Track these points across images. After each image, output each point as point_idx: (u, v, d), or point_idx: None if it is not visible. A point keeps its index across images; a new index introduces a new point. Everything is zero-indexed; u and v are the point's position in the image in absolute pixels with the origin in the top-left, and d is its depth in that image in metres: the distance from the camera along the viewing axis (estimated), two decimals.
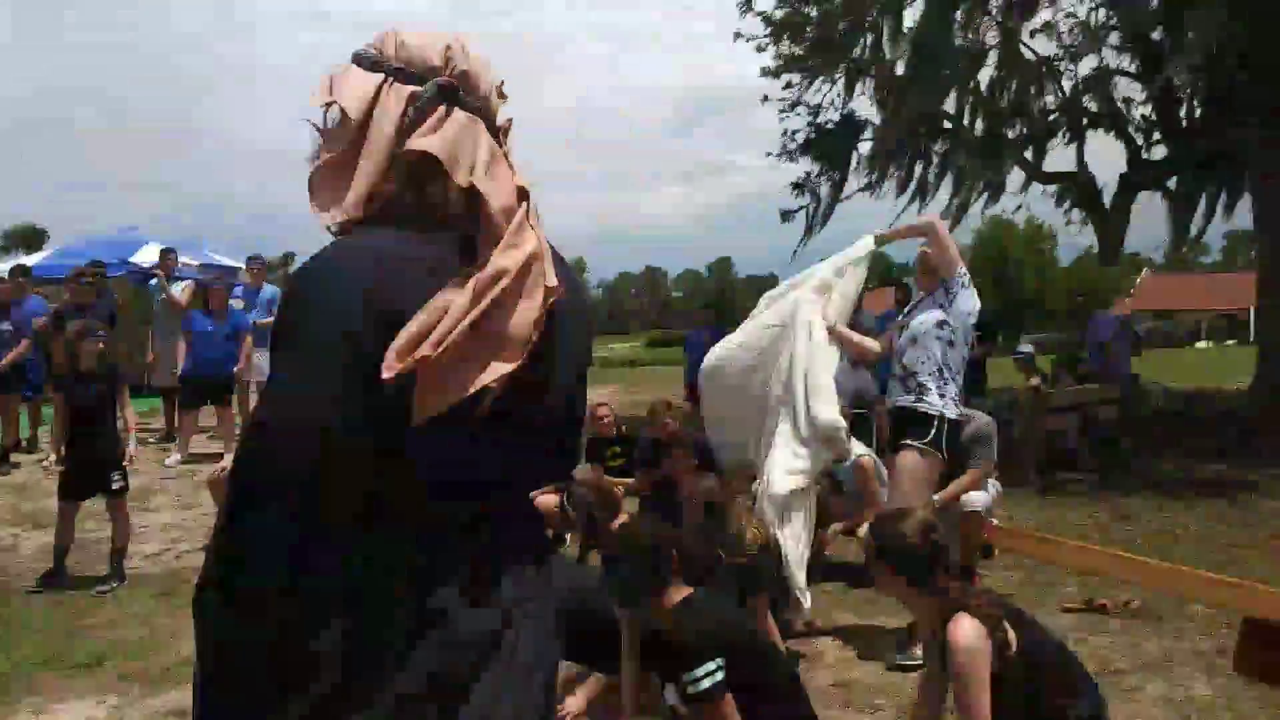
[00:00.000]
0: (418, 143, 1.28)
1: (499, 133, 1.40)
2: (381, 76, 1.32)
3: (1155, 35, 12.92)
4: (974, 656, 2.56)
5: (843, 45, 14.32)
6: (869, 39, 14.21)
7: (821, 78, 15.14)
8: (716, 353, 4.98)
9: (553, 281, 1.28)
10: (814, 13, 14.33)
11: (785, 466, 4.27)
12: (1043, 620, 4.45)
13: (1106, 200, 14.69)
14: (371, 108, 1.31)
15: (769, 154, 16.12)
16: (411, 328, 1.16)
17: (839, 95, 15.42)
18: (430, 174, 1.28)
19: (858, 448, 5.69)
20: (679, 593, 2.91)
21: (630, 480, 7.17)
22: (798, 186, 16.03)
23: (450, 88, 1.33)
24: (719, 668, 2.69)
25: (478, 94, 1.36)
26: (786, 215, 16.21)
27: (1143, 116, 14.62)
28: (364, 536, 1.21)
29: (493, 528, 1.31)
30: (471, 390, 1.19)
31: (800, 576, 4.24)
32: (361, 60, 1.35)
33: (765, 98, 15.78)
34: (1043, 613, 4.72)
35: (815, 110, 15.72)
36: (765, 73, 15.18)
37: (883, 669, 4.21)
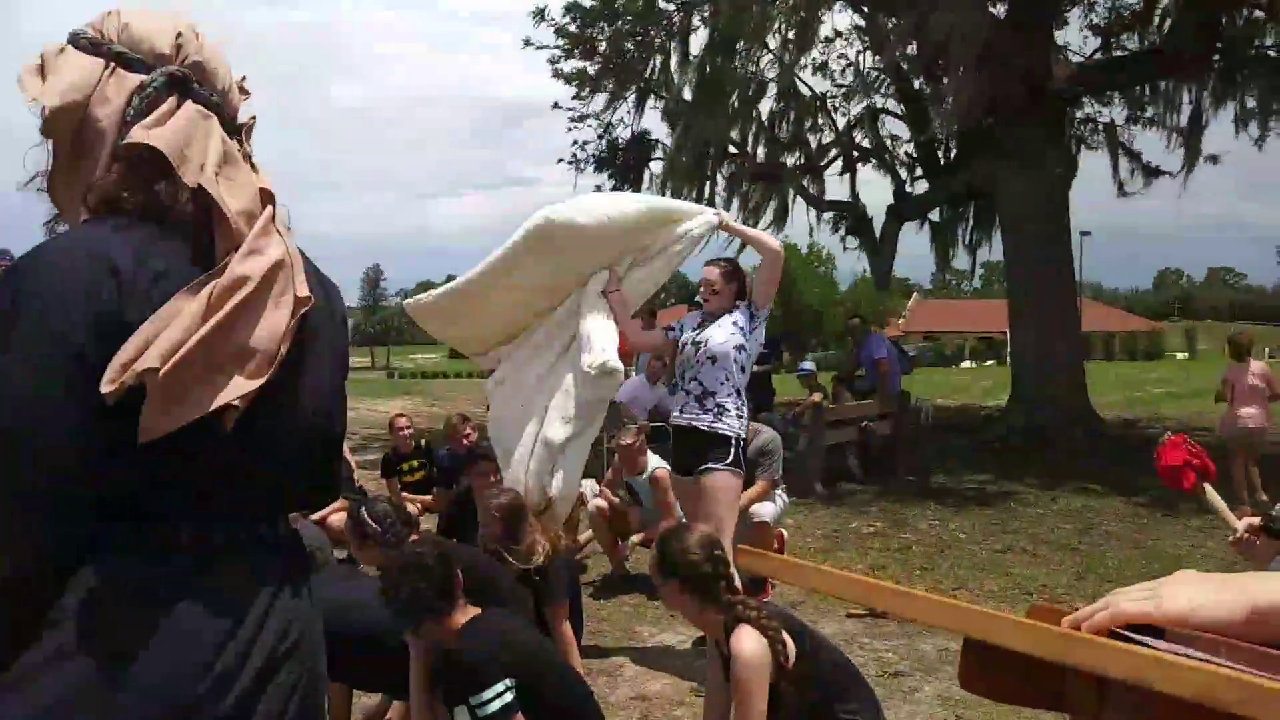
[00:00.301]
0: (140, 135, 1.16)
1: (240, 131, 1.30)
2: (102, 62, 1.20)
3: (916, 84, 14.05)
4: (754, 668, 2.63)
5: (633, 65, 14.65)
6: (658, 60, 14.63)
7: (615, 96, 15.42)
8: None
9: (304, 291, 1.20)
10: (605, 29, 14.57)
11: (562, 413, 4.11)
12: (829, 627, 4.68)
13: (878, 229, 15.79)
14: (89, 96, 1.18)
15: (560, 160, 16.26)
16: (137, 337, 1.06)
17: (630, 112, 15.78)
18: (158, 171, 1.17)
19: (654, 461, 5.76)
20: (465, 613, 2.81)
21: (428, 497, 6.95)
22: None
23: (182, 79, 1.22)
24: (508, 689, 2.61)
25: (214, 87, 1.26)
26: None
27: (907, 153, 15.85)
28: (89, 561, 1.10)
29: (241, 551, 1.20)
30: (211, 408, 1.09)
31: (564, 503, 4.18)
32: (78, 42, 1.22)
33: (556, 104, 15.89)
34: (829, 619, 4.95)
35: (607, 127, 16.00)
36: (558, 75, 15.25)
37: (680, 682, 4.25)
